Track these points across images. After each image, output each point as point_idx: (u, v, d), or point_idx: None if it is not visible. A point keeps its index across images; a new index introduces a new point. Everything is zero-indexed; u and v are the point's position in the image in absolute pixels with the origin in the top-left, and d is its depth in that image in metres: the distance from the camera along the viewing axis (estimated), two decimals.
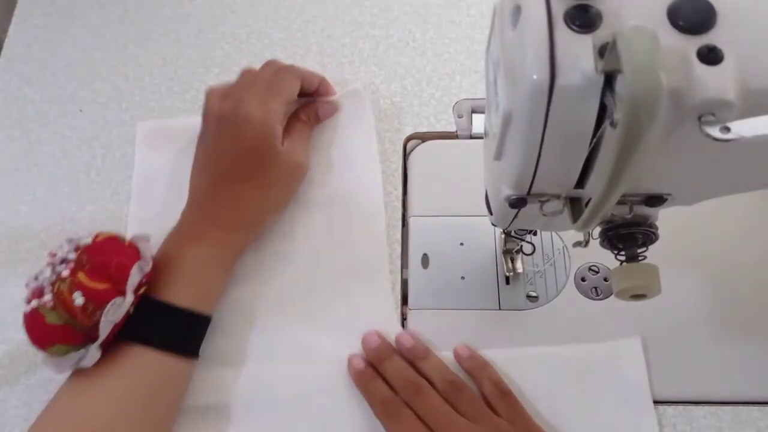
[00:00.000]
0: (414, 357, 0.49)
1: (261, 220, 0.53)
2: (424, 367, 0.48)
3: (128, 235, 0.50)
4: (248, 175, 0.51)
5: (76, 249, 0.45)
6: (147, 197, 0.58)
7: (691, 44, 0.28)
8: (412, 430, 0.45)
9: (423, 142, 0.60)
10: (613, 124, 0.27)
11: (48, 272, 0.45)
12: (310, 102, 0.58)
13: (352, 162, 0.58)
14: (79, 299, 0.42)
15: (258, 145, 0.51)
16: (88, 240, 0.46)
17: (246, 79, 0.55)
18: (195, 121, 0.55)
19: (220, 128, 0.52)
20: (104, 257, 0.44)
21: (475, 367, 0.49)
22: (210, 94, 0.55)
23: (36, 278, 0.46)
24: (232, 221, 0.51)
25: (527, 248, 0.53)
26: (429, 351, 0.49)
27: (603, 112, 0.29)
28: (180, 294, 0.47)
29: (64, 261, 0.45)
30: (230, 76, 0.64)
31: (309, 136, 0.57)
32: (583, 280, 0.53)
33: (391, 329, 0.51)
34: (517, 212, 0.38)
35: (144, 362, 0.45)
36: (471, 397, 0.47)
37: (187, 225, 0.51)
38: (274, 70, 0.55)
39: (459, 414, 0.45)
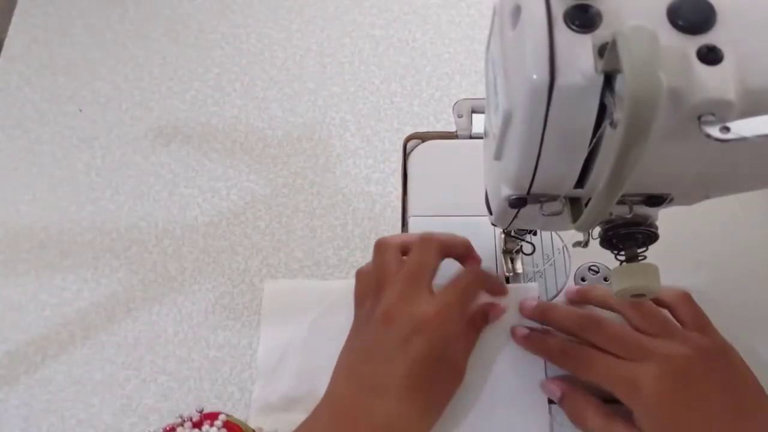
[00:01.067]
0: (540, 315, 0.49)
1: None
2: (552, 320, 0.48)
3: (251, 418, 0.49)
4: (429, 388, 0.44)
5: None
6: (272, 377, 0.50)
7: (691, 44, 0.28)
8: (603, 363, 0.44)
9: (423, 142, 0.60)
10: (612, 124, 0.27)
11: None
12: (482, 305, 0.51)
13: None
14: None
15: (432, 354, 0.44)
16: None
17: (408, 268, 0.47)
18: (328, 287, 0.53)
19: (381, 329, 0.45)
20: None
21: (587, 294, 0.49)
22: (361, 278, 0.50)
23: None
24: None
25: (527, 248, 0.53)
26: (553, 304, 0.50)
27: (603, 112, 0.29)
28: None
29: None
30: (230, 76, 0.64)
31: (476, 340, 0.50)
32: (583, 280, 0.53)
33: None
34: (517, 212, 0.38)
35: None
36: (650, 312, 0.45)
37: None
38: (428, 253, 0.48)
39: (643, 334, 0.44)
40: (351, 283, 0.52)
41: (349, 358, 0.46)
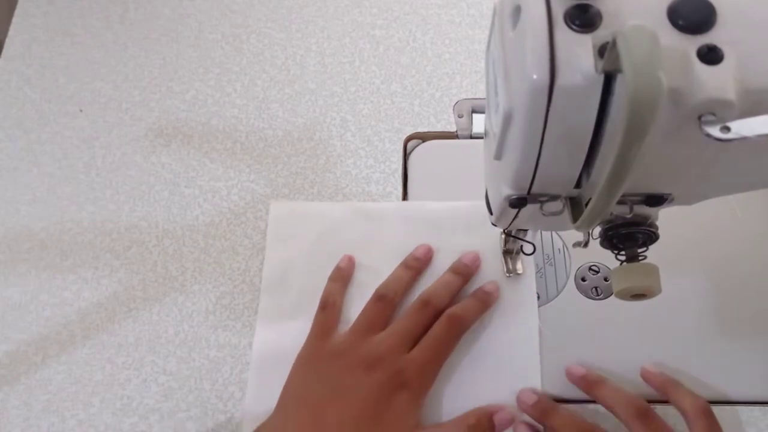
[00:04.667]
0: (588, 385, 0.47)
1: None
2: (602, 395, 0.46)
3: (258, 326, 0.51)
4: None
5: None
6: (277, 290, 0.53)
7: (691, 44, 0.28)
8: None
9: (423, 142, 0.60)
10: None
11: None
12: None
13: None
14: None
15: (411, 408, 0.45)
16: None
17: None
18: (331, 208, 0.56)
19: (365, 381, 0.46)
20: None
21: (668, 382, 0.47)
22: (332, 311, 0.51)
23: None
24: None
25: (527, 248, 0.53)
26: (603, 377, 0.47)
27: (603, 112, 0.29)
28: None
29: None
30: (230, 76, 0.64)
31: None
32: (583, 279, 0.53)
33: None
34: (518, 212, 0.38)
35: None
36: (661, 424, 0.44)
37: None
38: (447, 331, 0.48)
39: None
40: (353, 204, 0.56)
41: (308, 389, 0.46)
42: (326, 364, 0.47)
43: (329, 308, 0.50)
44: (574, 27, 0.28)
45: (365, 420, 0.44)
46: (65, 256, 0.57)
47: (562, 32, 0.28)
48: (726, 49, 0.27)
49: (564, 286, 0.53)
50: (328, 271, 0.53)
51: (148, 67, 0.65)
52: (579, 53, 0.27)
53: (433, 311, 0.49)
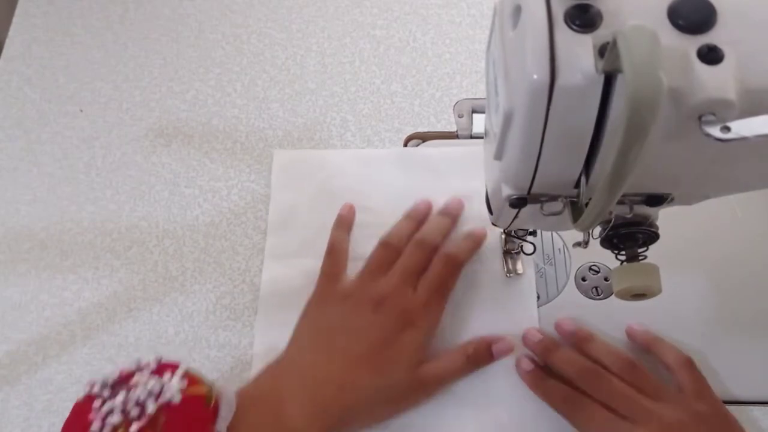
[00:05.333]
0: (578, 341, 0.49)
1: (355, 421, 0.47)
2: (591, 350, 0.48)
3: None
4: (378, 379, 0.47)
5: (157, 397, 0.41)
6: (283, 231, 0.56)
7: (692, 44, 0.28)
8: (599, 418, 0.44)
9: (423, 141, 0.60)
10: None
11: (119, 403, 0.40)
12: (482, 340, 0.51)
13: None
14: None
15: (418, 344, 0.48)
16: (177, 398, 0.41)
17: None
18: (333, 155, 0.59)
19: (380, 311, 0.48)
20: (179, 428, 0.41)
21: (652, 339, 0.49)
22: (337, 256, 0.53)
23: (103, 391, 0.41)
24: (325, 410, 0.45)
25: (528, 248, 0.53)
26: (592, 333, 0.49)
27: (603, 111, 0.29)
28: None
29: (142, 406, 0.40)
30: (231, 76, 0.64)
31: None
32: (583, 279, 0.53)
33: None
34: (518, 212, 0.38)
35: None
36: (648, 376, 0.46)
37: (275, 389, 0.46)
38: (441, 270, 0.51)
39: (642, 394, 0.44)
40: (354, 151, 0.59)
41: (321, 327, 0.49)
42: (336, 305, 0.49)
43: (336, 253, 0.53)
44: (574, 27, 0.28)
45: (375, 356, 0.46)
46: (65, 256, 0.57)
47: (563, 32, 0.28)
48: (726, 49, 0.27)
49: (564, 286, 0.53)
50: (331, 212, 0.56)
51: (148, 67, 0.65)
52: (579, 53, 0.27)
53: (429, 248, 0.51)
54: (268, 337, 0.52)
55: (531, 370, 0.48)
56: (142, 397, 0.41)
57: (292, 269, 0.54)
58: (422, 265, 0.51)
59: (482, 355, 0.49)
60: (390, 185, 0.57)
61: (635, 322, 0.50)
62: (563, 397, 0.46)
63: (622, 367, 0.46)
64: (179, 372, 0.43)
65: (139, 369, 0.43)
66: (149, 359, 0.44)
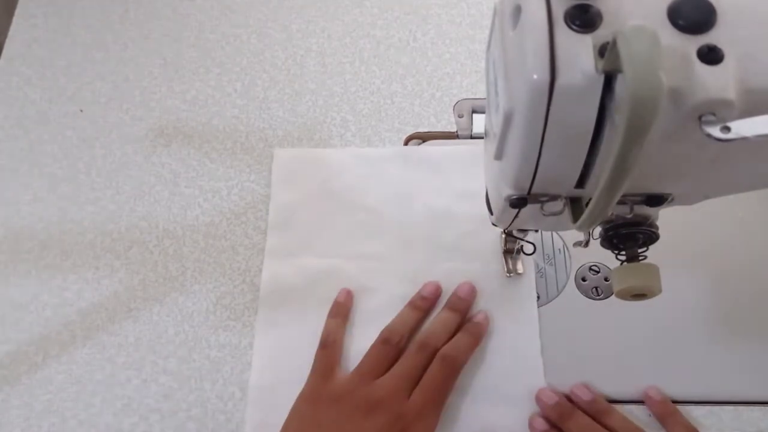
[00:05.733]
0: (596, 412, 0.47)
1: None
2: (609, 423, 0.46)
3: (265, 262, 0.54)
4: None
5: None
6: (283, 229, 0.56)
7: (692, 44, 0.27)
8: None
9: (423, 141, 0.60)
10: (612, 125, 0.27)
11: None
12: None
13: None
14: None
15: None
16: None
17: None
18: (333, 153, 0.59)
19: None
20: None
21: (667, 413, 0.47)
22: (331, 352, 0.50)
23: None
24: None
25: (528, 248, 0.53)
26: (610, 406, 0.48)
27: (603, 111, 0.29)
28: None
29: None
30: (231, 76, 0.64)
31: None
32: (583, 279, 0.53)
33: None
34: (518, 212, 0.38)
35: None
36: None
37: None
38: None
39: None
40: (354, 149, 0.59)
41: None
42: (326, 407, 0.47)
43: (330, 347, 0.50)
44: (574, 27, 0.28)
45: None
46: (66, 256, 0.57)
47: (563, 32, 0.28)
48: (726, 49, 0.27)
49: (564, 286, 0.53)
50: (332, 211, 0.56)
51: (148, 67, 0.65)
52: (579, 53, 0.27)
53: (431, 352, 0.48)
54: (268, 337, 0.52)
55: (546, 430, 0.47)
56: None
57: (292, 268, 0.54)
58: (421, 368, 0.48)
59: None
60: (390, 183, 0.57)
61: (654, 387, 0.49)
62: None
63: None
64: None
65: None
66: None
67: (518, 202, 0.35)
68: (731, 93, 0.27)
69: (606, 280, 0.53)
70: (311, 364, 0.50)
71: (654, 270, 0.39)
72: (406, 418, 0.46)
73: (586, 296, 0.52)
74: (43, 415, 0.51)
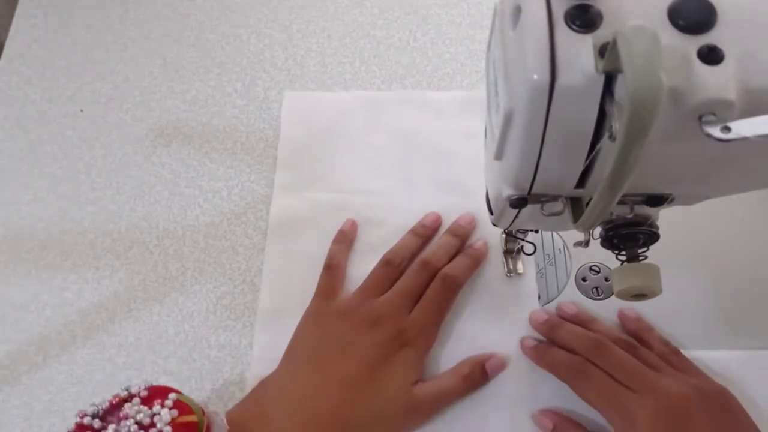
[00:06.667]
0: (582, 322, 0.49)
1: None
2: (594, 329, 0.48)
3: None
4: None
5: (148, 429, 0.42)
6: (292, 165, 0.59)
7: (692, 44, 0.28)
8: (603, 386, 0.44)
9: None
10: (612, 137, 0.27)
11: None
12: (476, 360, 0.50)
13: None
14: None
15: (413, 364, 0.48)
16: (167, 430, 0.42)
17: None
18: (340, 96, 0.61)
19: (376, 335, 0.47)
20: None
21: (642, 328, 0.49)
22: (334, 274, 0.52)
23: (93, 422, 0.42)
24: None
25: (528, 248, 0.53)
26: (593, 316, 0.50)
27: (604, 111, 0.29)
28: None
29: None
30: (231, 76, 0.64)
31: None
32: (584, 280, 0.53)
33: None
34: (518, 212, 0.38)
35: None
36: (648, 353, 0.46)
37: (265, 413, 0.46)
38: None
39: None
40: (360, 93, 0.62)
41: (315, 345, 0.48)
42: (332, 322, 0.49)
43: (333, 269, 0.52)
44: (574, 27, 0.28)
45: (369, 375, 0.46)
46: (66, 256, 0.57)
47: (563, 32, 0.28)
48: (726, 50, 0.27)
49: (564, 286, 0.53)
50: (339, 149, 0.59)
51: (148, 67, 0.65)
52: (579, 53, 0.27)
53: (432, 271, 0.51)
54: (276, 264, 0.54)
55: (534, 344, 0.49)
56: (133, 430, 0.42)
57: (300, 201, 0.57)
58: (422, 287, 0.50)
59: (477, 375, 0.49)
60: (394, 124, 0.60)
61: (628, 308, 0.50)
62: (567, 365, 0.46)
63: (624, 346, 0.46)
64: (169, 401, 0.44)
65: (130, 396, 0.44)
66: (139, 384, 0.45)
67: (518, 203, 0.35)
68: (731, 93, 0.27)
69: (606, 280, 0.53)
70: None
71: (654, 270, 0.39)
72: (407, 332, 0.48)
73: (587, 296, 0.52)
74: (43, 415, 0.51)
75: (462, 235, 0.54)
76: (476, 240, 0.54)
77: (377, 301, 0.49)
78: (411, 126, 0.59)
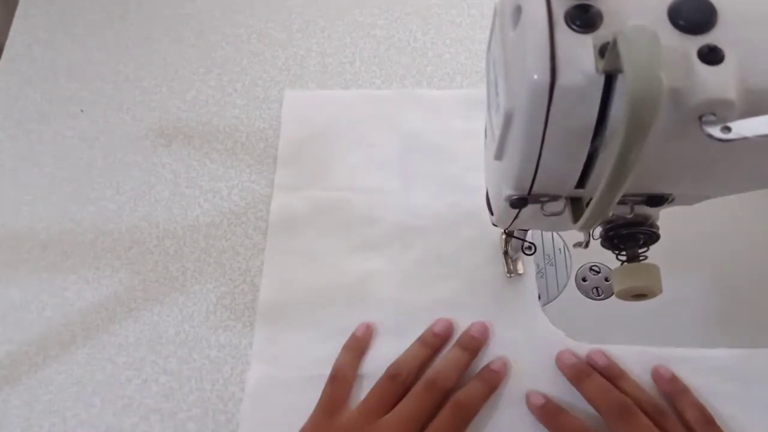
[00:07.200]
0: (611, 377, 0.46)
1: None
2: (623, 387, 0.46)
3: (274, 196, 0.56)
4: None
5: None
6: (292, 164, 0.59)
7: (692, 44, 0.28)
8: None
9: None
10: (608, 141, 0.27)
11: None
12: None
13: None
14: None
15: None
16: None
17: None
18: (341, 94, 0.62)
19: None
20: None
21: (677, 391, 0.46)
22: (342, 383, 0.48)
23: None
24: None
25: (528, 249, 0.53)
26: (624, 371, 0.47)
27: (604, 112, 0.29)
28: None
29: None
30: (231, 76, 0.64)
31: None
32: (584, 280, 0.53)
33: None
34: (518, 212, 0.38)
35: None
36: (677, 425, 0.44)
37: None
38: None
39: None
40: (361, 91, 0.62)
41: None
42: None
43: (339, 381, 0.48)
44: (574, 27, 0.28)
45: None
46: (66, 257, 0.57)
47: (563, 32, 0.28)
48: (727, 50, 0.27)
49: (565, 287, 0.53)
50: (339, 146, 0.59)
51: (149, 67, 0.65)
52: (580, 53, 0.27)
53: (440, 393, 0.46)
54: (276, 261, 0.55)
55: (543, 403, 0.46)
56: None
57: (299, 199, 0.57)
58: (429, 410, 0.45)
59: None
60: (394, 122, 0.60)
61: (662, 366, 0.48)
62: None
63: (652, 411, 0.44)
64: None
65: None
66: None
67: (519, 203, 0.35)
68: (732, 93, 0.27)
69: (606, 280, 0.53)
70: (316, 285, 0.53)
71: (654, 270, 0.39)
72: None
73: (587, 296, 0.52)
74: (43, 415, 0.51)
75: (473, 348, 0.49)
76: (495, 360, 0.49)
77: (378, 423, 0.45)
78: (411, 124, 0.60)
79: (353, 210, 0.56)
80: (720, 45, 0.27)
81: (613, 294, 0.41)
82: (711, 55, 0.27)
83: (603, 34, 0.27)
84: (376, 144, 0.59)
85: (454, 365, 0.48)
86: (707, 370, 0.47)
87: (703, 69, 0.27)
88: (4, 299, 0.55)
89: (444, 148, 0.58)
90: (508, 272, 0.53)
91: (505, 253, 0.53)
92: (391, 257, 0.54)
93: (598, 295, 0.52)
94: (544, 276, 0.53)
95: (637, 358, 0.48)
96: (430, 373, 0.47)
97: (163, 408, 0.51)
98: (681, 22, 0.28)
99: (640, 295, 0.39)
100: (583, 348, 0.49)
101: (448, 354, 0.49)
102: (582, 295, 0.52)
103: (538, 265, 0.53)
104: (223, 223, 0.58)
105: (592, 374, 0.46)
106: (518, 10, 0.29)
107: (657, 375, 0.47)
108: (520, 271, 0.53)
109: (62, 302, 0.55)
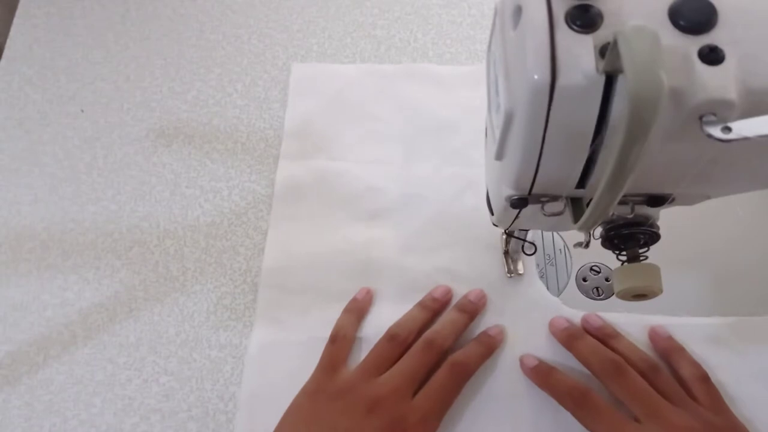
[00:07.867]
0: (604, 336, 0.48)
1: None
2: (616, 347, 0.47)
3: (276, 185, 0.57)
4: None
5: None
6: (298, 134, 0.60)
7: (693, 44, 0.28)
8: (608, 417, 0.42)
9: None
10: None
11: None
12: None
13: None
14: None
15: None
16: None
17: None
18: (347, 68, 0.63)
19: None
20: None
21: (672, 348, 0.47)
22: (342, 345, 0.49)
23: None
24: None
25: (528, 249, 0.53)
26: (618, 332, 0.48)
27: (604, 112, 0.29)
28: None
29: None
30: (231, 76, 0.64)
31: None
32: (584, 280, 0.53)
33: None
34: (519, 213, 0.38)
35: None
36: (670, 380, 0.45)
37: None
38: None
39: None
40: (368, 66, 0.63)
41: (305, 429, 0.45)
42: (326, 403, 0.46)
43: (339, 341, 0.49)
44: (575, 27, 0.28)
45: None
46: (67, 257, 0.57)
47: (563, 32, 0.28)
48: (727, 50, 0.27)
49: (565, 287, 0.53)
50: (344, 119, 0.60)
51: (149, 67, 0.65)
52: (580, 53, 0.27)
53: (437, 352, 0.47)
54: (281, 229, 0.56)
55: (536, 364, 0.47)
56: None
57: (305, 169, 0.58)
58: (427, 368, 0.46)
59: None
60: (399, 96, 0.61)
61: (659, 325, 0.49)
62: (571, 393, 0.45)
63: (645, 368, 0.45)
64: None
65: None
66: None
67: (519, 203, 0.35)
68: (732, 93, 0.27)
69: (607, 280, 0.53)
70: (319, 251, 0.54)
71: (655, 270, 0.39)
72: (407, 420, 0.44)
73: (587, 296, 0.52)
74: (44, 415, 0.51)
75: (471, 311, 0.50)
76: (492, 326, 0.50)
77: (377, 382, 0.46)
78: (415, 98, 0.61)
79: (357, 180, 0.57)
80: (720, 45, 0.27)
81: (613, 294, 0.41)
82: (711, 56, 0.27)
83: (603, 34, 0.27)
84: (381, 117, 0.60)
85: (452, 326, 0.49)
86: (701, 338, 0.47)
87: (703, 69, 0.27)
88: (4, 299, 0.55)
89: (447, 122, 0.59)
90: (508, 272, 0.53)
91: (506, 252, 0.53)
92: (393, 225, 0.55)
93: (599, 296, 0.52)
94: (544, 276, 0.53)
95: (633, 325, 0.49)
96: (428, 333, 0.49)
97: (163, 408, 0.51)
98: (681, 23, 0.28)
99: (640, 296, 0.39)
100: (579, 316, 0.50)
101: (446, 316, 0.50)
102: (582, 296, 0.52)
103: (538, 265, 0.53)
104: (224, 223, 0.58)
105: (584, 336, 0.47)
106: (518, 10, 0.29)
107: (654, 334, 0.49)
108: (521, 271, 0.53)
109: (63, 302, 0.55)
